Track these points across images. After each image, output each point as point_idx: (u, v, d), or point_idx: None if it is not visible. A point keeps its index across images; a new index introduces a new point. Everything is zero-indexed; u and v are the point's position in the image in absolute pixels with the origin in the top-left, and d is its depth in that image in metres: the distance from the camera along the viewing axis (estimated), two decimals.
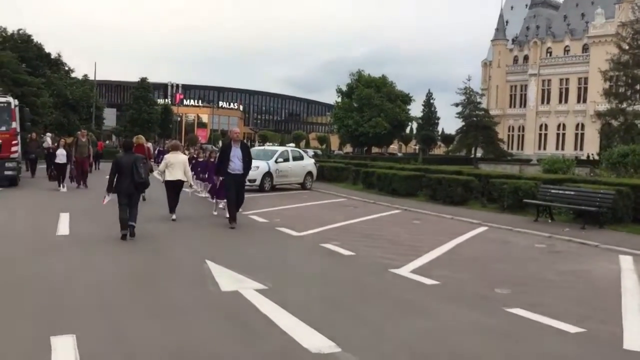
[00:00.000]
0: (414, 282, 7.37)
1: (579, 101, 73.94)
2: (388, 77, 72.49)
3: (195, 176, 18.36)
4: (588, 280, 7.78)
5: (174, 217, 12.68)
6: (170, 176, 12.77)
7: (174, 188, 12.83)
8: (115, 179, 9.90)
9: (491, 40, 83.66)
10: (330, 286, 7.14)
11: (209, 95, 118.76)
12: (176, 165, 12.78)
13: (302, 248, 9.72)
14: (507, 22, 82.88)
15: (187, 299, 6.31)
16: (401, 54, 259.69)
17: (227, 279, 7.14)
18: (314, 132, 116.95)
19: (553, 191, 13.86)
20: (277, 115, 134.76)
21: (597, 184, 14.51)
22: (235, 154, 11.60)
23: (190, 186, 14.02)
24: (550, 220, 13.64)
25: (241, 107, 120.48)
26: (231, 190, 11.64)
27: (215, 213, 13.78)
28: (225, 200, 12.81)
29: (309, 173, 23.12)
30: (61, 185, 19.21)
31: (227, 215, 12.17)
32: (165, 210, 12.84)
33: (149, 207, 13.40)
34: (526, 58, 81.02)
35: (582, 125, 72.55)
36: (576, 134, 74.22)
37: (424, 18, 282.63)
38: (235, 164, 11.58)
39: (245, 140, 12.33)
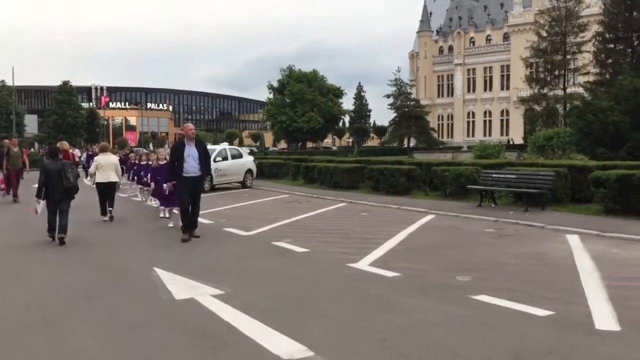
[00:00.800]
0: (375, 276, 7.18)
1: (502, 88, 76.74)
2: (319, 72, 72.85)
3: (136, 181, 17.90)
4: (543, 262, 7.84)
5: (105, 218, 12.75)
6: (101, 178, 12.75)
7: (106, 190, 12.83)
8: (43, 187, 9.87)
9: (417, 32, 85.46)
10: (290, 286, 6.84)
11: (136, 97, 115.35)
12: (107, 166, 12.80)
13: (254, 248, 9.36)
14: (430, 13, 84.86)
15: (139, 311, 5.87)
16: (329, 49, 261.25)
17: (180, 286, 6.71)
18: (247, 130, 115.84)
19: (494, 176, 14.10)
20: (208, 115, 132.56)
21: (535, 166, 14.88)
22: (190, 153, 10.02)
23: (118, 187, 13.54)
24: (493, 205, 13.86)
25: (171, 108, 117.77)
26: (184, 196, 10.02)
27: (171, 225, 11.78)
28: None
29: (249, 171, 22.69)
30: None
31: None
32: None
33: (84, 213, 12.63)
34: (451, 48, 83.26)
35: (507, 112, 75.31)
36: (501, 120, 77.00)
37: (347, 11, 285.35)
38: (191, 165, 9.99)
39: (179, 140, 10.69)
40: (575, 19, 50.52)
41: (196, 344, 4.85)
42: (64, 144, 16.77)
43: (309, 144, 77.76)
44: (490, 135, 73.77)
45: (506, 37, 76.24)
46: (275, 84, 72.51)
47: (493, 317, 5.40)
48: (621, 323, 5.09)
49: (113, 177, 12.80)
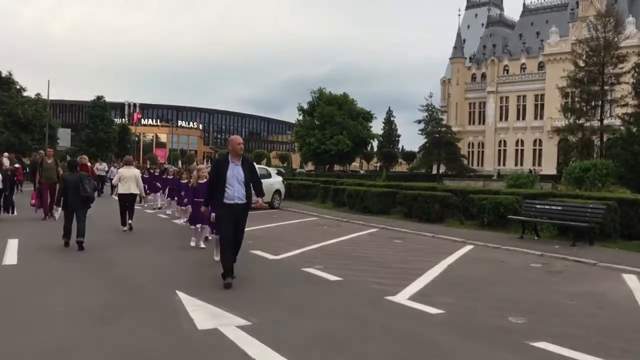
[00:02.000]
0: (417, 312, 6.50)
1: (536, 117, 75.25)
2: (349, 95, 72.62)
3: (176, 201, 16.72)
4: (604, 305, 7.07)
5: (124, 228, 13.34)
6: (122, 189, 13.34)
7: (126, 201, 13.46)
8: (63, 196, 10.73)
9: (450, 58, 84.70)
10: (323, 319, 6.20)
11: (168, 114, 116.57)
12: (129, 178, 13.32)
13: (282, 274, 8.74)
14: (464, 40, 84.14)
15: (158, 340, 5.29)
16: (360, 73, 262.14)
17: (203, 314, 6.13)
18: (275, 151, 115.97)
19: (538, 206, 13.29)
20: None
21: (580, 198, 14.04)
22: (235, 174, 7.70)
23: (141, 200, 14.37)
24: (536, 237, 13.04)
25: (201, 126, 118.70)
26: (226, 227, 7.74)
27: (203, 245, 11.17)
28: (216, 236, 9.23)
29: (277, 191, 22.17)
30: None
31: (217, 258, 9.19)
32: (125, 236, 11.93)
33: (106, 230, 12.19)
34: (484, 76, 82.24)
35: (540, 141, 73.79)
36: (534, 150, 75.44)
37: (381, 35, 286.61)
38: (235, 189, 7.68)
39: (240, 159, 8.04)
40: (614, 49, 49.33)
41: None
42: (84, 158, 18.05)
43: (337, 167, 77.24)
44: (522, 164, 72.19)
45: (541, 66, 75.01)
46: (305, 106, 72.42)
47: None
48: None
49: (134, 189, 13.34)
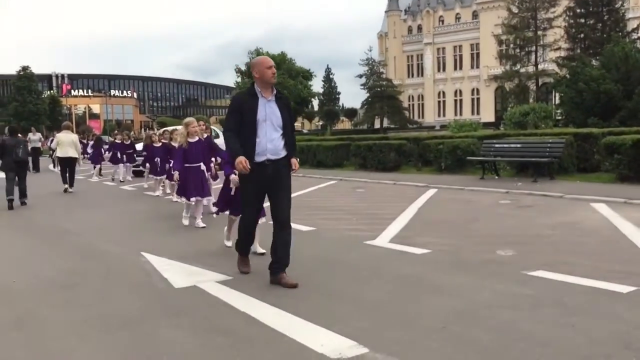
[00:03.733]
0: (402, 253, 6.22)
1: (472, 67, 76.37)
2: (287, 54, 71.33)
3: (149, 170, 14.10)
4: (586, 233, 6.98)
5: (68, 189, 14.10)
6: (61, 153, 14.10)
7: (65, 164, 14.23)
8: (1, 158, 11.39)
9: (385, 12, 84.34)
10: (306, 268, 5.79)
11: (99, 84, 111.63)
12: (66, 143, 14.06)
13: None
14: None
15: (134, 302, 4.77)
16: (295, 32, 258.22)
17: (177, 273, 5.64)
18: (214, 116, 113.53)
19: (497, 146, 13.27)
20: (174, 101, 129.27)
21: (535, 135, 14.12)
22: (269, 114, 5.09)
23: (78, 163, 14.46)
24: (497, 177, 13.07)
25: (135, 95, 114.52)
26: (256, 201, 5.40)
27: (203, 224, 8.51)
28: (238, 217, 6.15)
29: None
30: None
31: (228, 243, 6.79)
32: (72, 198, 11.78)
33: (54, 200, 11.39)
34: (420, 28, 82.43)
35: (478, 90, 75.10)
36: (472, 99, 76.78)
37: None
38: (269, 138, 5.07)
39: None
40: None
41: (213, 342, 3.80)
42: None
43: None
44: (461, 114, 73.33)
45: (475, 15, 75.75)
46: (243, 67, 70.73)
47: (567, 296, 4.48)
48: None
49: (72, 153, 14.02)
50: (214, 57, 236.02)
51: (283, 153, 5.12)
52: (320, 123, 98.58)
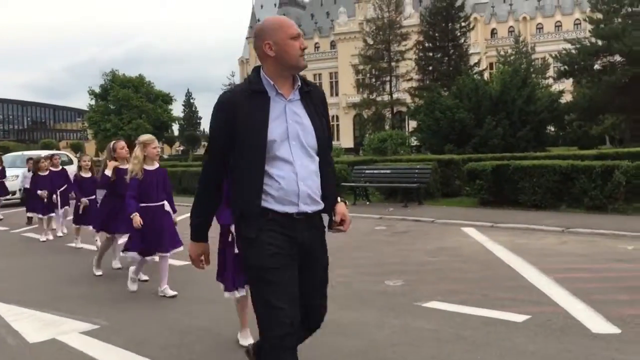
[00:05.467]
0: None
1: (332, 95, 78.84)
2: (145, 77, 68.84)
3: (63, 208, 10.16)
4: (465, 258, 7.07)
5: None
6: None
7: None
8: None
9: (246, 38, 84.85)
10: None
11: None
12: None
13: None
14: (258, 20, 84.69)
15: None
16: (155, 56, 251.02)
17: (31, 324, 4.79)
18: (65, 140, 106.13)
19: (367, 171, 13.44)
20: (18, 124, 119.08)
21: (399, 162, 14.55)
22: (292, 127, 2.56)
23: None
24: (367, 202, 13.19)
25: None
26: (286, 285, 2.51)
27: (146, 277, 6.46)
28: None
29: None
30: None
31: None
32: None
33: None
34: None
35: (337, 117, 77.60)
36: (332, 125, 79.19)
37: (175, 16, 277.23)
38: (298, 169, 2.53)
39: None
40: (398, 28, 53.37)
41: None
42: None
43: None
44: None
45: (333, 44, 78.63)
46: (98, 90, 67.03)
47: (466, 329, 4.36)
48: (613, 322, 4.35)
49: None
50: (66, 78, 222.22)
51: (320, 201, 2.65)
52: (181, 148, 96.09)
